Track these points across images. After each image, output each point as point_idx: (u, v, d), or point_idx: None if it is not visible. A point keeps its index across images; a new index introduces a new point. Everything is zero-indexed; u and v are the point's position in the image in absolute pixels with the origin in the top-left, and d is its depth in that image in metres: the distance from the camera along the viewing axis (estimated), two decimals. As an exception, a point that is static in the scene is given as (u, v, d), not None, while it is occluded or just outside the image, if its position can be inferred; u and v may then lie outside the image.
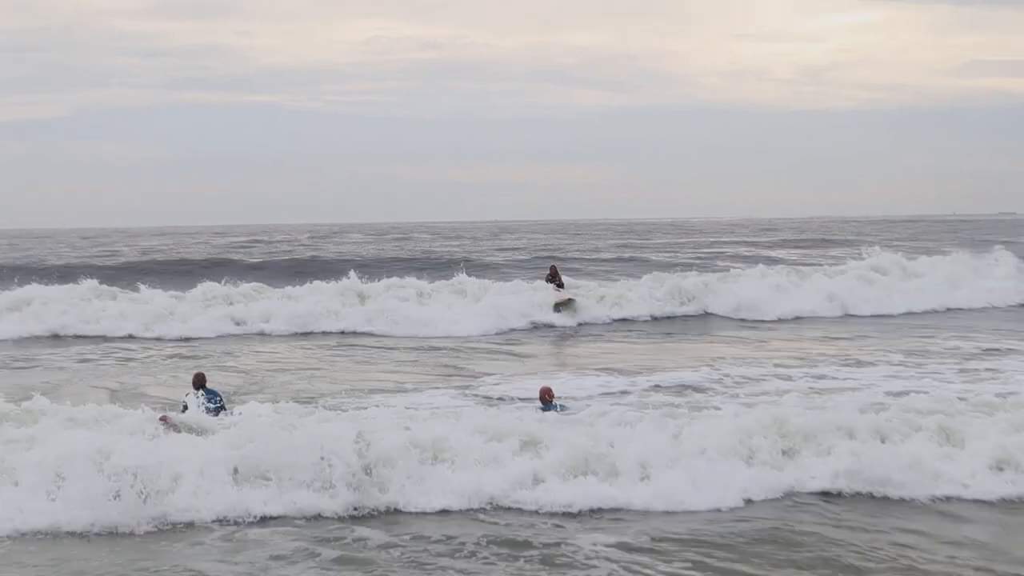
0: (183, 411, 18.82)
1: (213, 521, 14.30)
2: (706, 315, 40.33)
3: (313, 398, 22.46)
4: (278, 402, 19.75)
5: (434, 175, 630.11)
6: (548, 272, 42.20)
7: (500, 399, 22.65)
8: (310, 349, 32.13)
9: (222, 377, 25.53)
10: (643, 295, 41.12)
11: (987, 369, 26.07)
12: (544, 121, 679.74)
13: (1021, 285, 44.94)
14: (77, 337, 35.43)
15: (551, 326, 37.59)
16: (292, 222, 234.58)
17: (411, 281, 42.26)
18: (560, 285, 40.58)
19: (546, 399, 19.19)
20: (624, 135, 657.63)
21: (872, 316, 40.19)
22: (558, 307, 38.84)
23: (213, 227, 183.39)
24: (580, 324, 38.14)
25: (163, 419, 16.52)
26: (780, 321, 38.92)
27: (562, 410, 18.80)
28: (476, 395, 23.36)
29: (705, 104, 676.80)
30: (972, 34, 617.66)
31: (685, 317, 39.99)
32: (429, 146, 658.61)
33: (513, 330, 36.62)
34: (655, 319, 39.57)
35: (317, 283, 41.01)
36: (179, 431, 16.24)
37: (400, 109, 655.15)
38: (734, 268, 49.41)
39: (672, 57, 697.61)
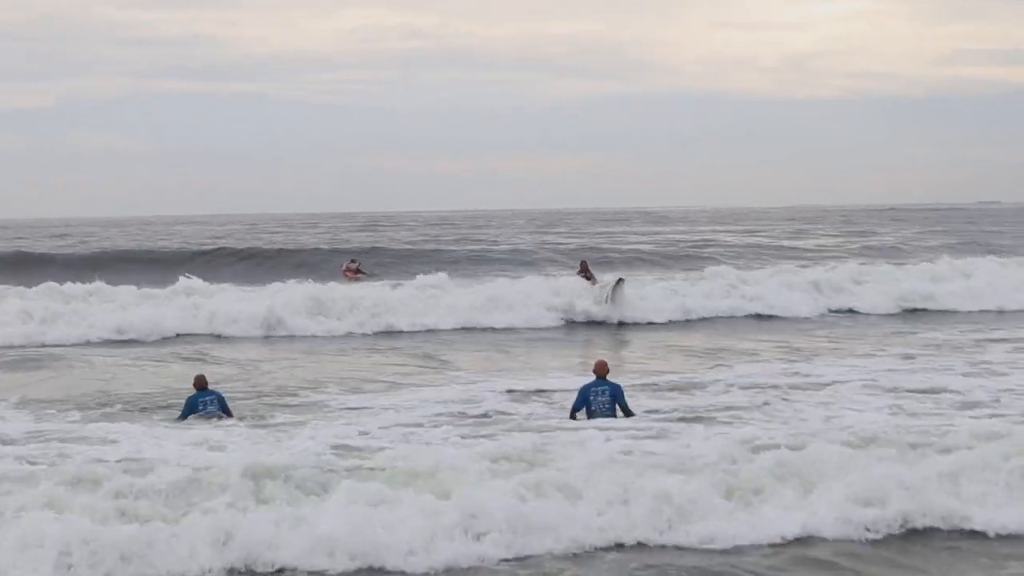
0: (183, 415, 18.74)
1: None
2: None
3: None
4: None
5: (421, 166, 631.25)
6: (579, 268, 41.92)
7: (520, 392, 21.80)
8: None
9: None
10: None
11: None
12: (531, 110, 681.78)
13: None
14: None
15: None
16: (278, 212, 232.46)
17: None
18: (591, 278, 39.63)
19: (602, 372, 18.56)
20: (612, 124, 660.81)
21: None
22: (608, 295, 36.69)
23: (196, 217, 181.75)
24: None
25: None
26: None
27: (613, 396, 18.20)
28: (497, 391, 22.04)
29: (690, 92, 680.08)
30: (958, 23, 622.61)
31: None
32: (415, 136, 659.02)
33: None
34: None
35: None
36: None
37: (386, 99, 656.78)
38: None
39: (659, 46, 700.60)
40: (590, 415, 18.17)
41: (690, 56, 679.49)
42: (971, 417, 17.84)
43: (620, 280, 37.64)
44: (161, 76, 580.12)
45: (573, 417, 18.33)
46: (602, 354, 25.05)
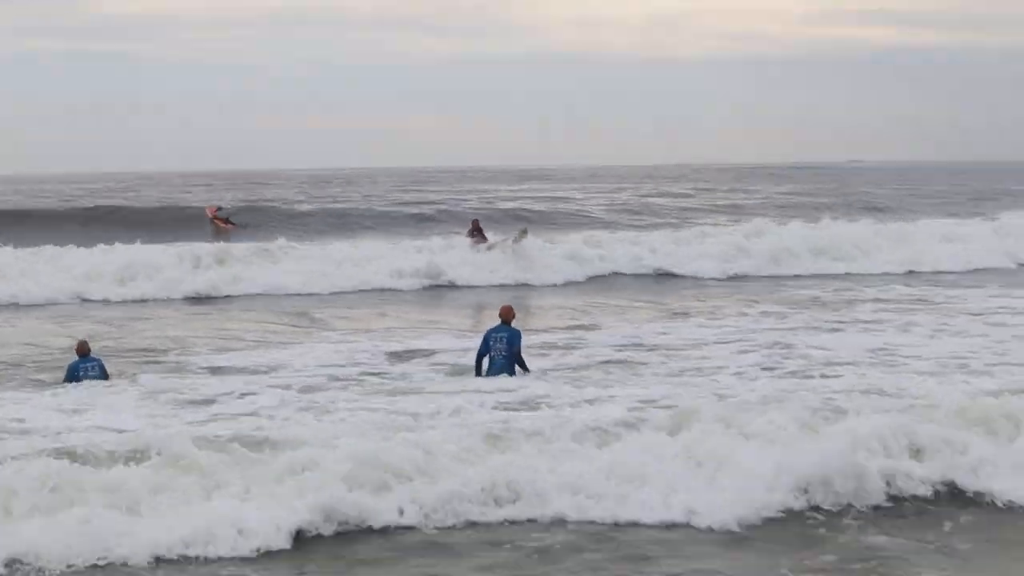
0: (65, 380, 18.41)
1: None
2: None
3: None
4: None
5: (285, 123, 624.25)
6: (470, 227, 40.70)
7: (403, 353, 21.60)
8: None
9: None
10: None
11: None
12: (392, 69, 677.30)
13: None
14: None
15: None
16: (148, 169, 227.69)
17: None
18: (480, 236, 39.23)
19: (506, 317, 18.45)
20: (474, 83, 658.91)
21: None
22: (511, 245, 36.97)
23: (61, 175, 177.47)
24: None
25: None
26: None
27: (510, 343, 18.11)
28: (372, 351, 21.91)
29: (555, 53, 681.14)
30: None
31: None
32: (278, 93, 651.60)
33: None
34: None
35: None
36: None
37: (248, 56, 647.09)
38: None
39: (521, 6, 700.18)
40: (490, 363, 18.22)
41: (554, 16, 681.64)
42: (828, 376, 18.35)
43: (524, 230, 38.01)
44: (22, 35, 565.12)
45: (478, 364, 18.34)
46: (468, 314, 24.97)
